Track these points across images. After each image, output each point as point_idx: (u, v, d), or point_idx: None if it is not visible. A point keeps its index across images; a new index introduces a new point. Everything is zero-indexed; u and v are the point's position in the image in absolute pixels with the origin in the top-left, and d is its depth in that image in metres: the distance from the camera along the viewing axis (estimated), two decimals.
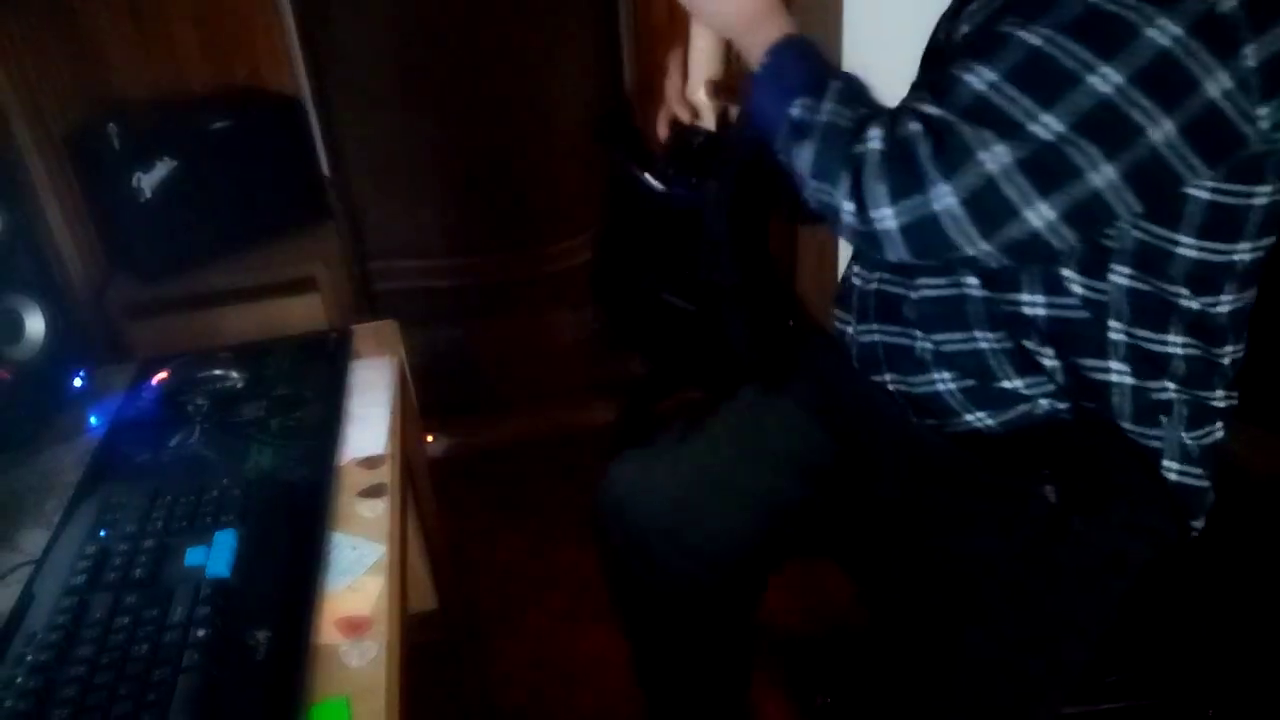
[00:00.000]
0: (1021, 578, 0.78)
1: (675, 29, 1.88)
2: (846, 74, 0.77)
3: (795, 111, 0.74)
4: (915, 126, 0.68)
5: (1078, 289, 0.77)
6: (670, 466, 0.96)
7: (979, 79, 0.67)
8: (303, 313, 1.46)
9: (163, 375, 0.97)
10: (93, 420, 0.95)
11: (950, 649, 0.79)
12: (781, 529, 0.95)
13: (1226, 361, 0.80)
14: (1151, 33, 0.62)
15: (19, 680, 0.60)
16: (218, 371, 0.96)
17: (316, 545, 0.74)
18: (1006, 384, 0.82)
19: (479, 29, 1.82)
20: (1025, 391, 0.82)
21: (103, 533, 0.73)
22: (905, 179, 0.67)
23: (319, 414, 0.91)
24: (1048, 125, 0.64)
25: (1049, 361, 0.80)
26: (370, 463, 0.85)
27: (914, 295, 0.84)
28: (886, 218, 0.68)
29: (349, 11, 1.75)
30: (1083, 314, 0.77)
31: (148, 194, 1.39)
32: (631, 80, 1.93)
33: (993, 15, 0.71)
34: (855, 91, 0.75)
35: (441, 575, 1.30)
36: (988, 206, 0.66)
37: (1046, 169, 0.65)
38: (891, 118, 0.70)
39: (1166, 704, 0.83)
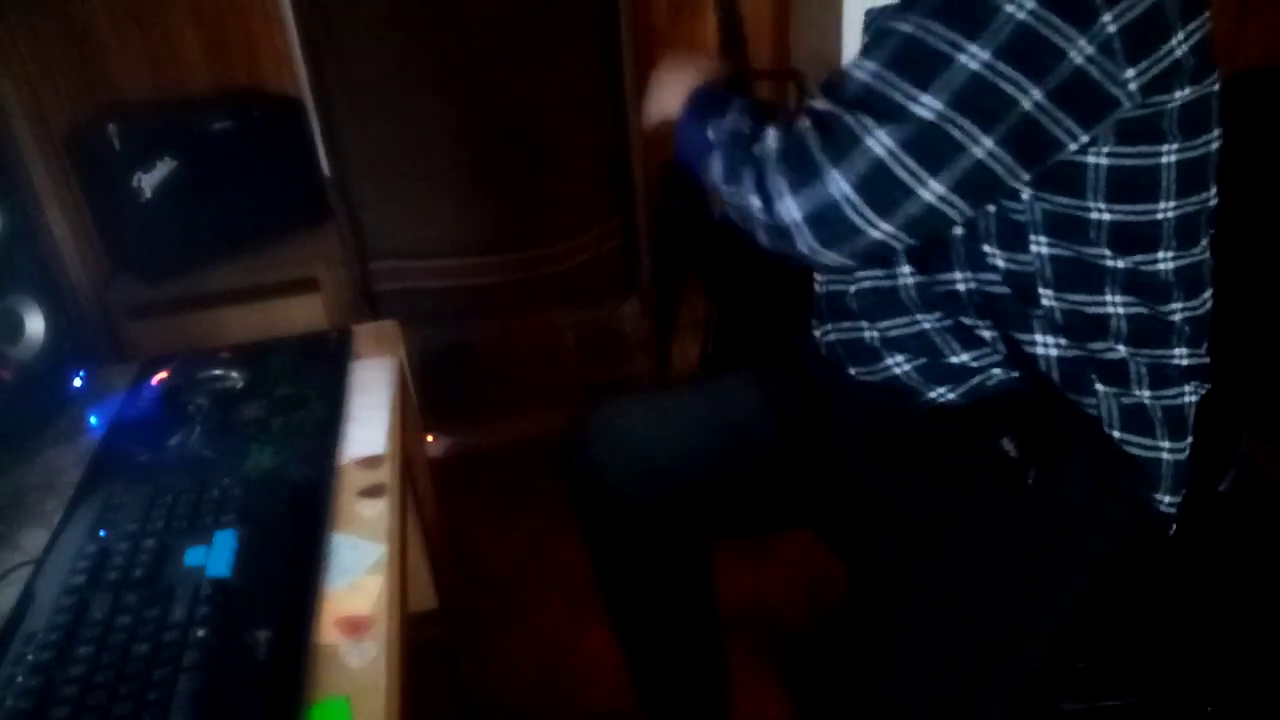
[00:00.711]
0: (984, 529, 0.82)
1: (675, 29, 1.88)
2: (753, 99, 0.84)
3: (710, 133, 0.82)
4: (805, 122, 0.74)
5: (1000, 263, 0.80)
6: (632, 414, 1.04)
7: (863, 71, 0.72)
8: (303, 313, 1.46)
9: (163, 375, 0.97)
10: (93, 420, 0.95)
11: (910, 595, 0.81)
12: (726, 482, 1.02)
13: (1178, 319, 0.81)
14: (1009, 9, 0.66)
15: (19, 680, 0.60)
16: (218, 371, 0.96)
17: (317, 545, 0.74)
18: (955, 359, 0.85)
19: (479, 31, 1.82)
20: (974, 364, 0.85)
21: (103, 532, 0.73)
22: (801, 170, 0.72)
23: (319, 414, 0.91)
24: (928, 105, 0.68)
25: (987, 333, 0.84)
26: (370, 462, 0.85)
27: (853, 289, 0.90)
28: (791, 209, 0.73)
29: (350, 13, 1.75)
30: (1003, 289, 0.81)
31: (148, 194, 1.40)
32: (631, 81, 1.93)
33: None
34: (756, 107, 0.81)
35: (442, 574, 1.30)
36: (881, 188, 0.70)
37: (931, 147, 0.69)
38: (787, 119, 0.76)
39: (1165, 700, 0.83)
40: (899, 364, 0.88)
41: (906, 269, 0.85)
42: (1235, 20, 1.77)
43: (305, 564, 0.71)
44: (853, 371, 0.92)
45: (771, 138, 0.75)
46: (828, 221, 0.72)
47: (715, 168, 0.80)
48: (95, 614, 0.64)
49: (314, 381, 0.97)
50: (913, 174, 0.69)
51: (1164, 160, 0.75)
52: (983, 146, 0.69)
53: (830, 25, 1.82)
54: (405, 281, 2.00)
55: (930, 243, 0.81)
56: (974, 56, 0.67)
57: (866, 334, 0.90)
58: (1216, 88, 0.75)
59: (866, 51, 0.73)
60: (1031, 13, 0.65)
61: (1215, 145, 0.77)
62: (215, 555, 0.69)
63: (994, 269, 0.80)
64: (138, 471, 0.84)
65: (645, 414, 1.04)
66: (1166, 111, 0.72)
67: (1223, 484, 0.96)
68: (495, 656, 1.46)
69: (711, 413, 1.03)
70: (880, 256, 0.84)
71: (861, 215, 0.71)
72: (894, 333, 0.88)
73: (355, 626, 0.67)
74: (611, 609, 1.13)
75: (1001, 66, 0.66)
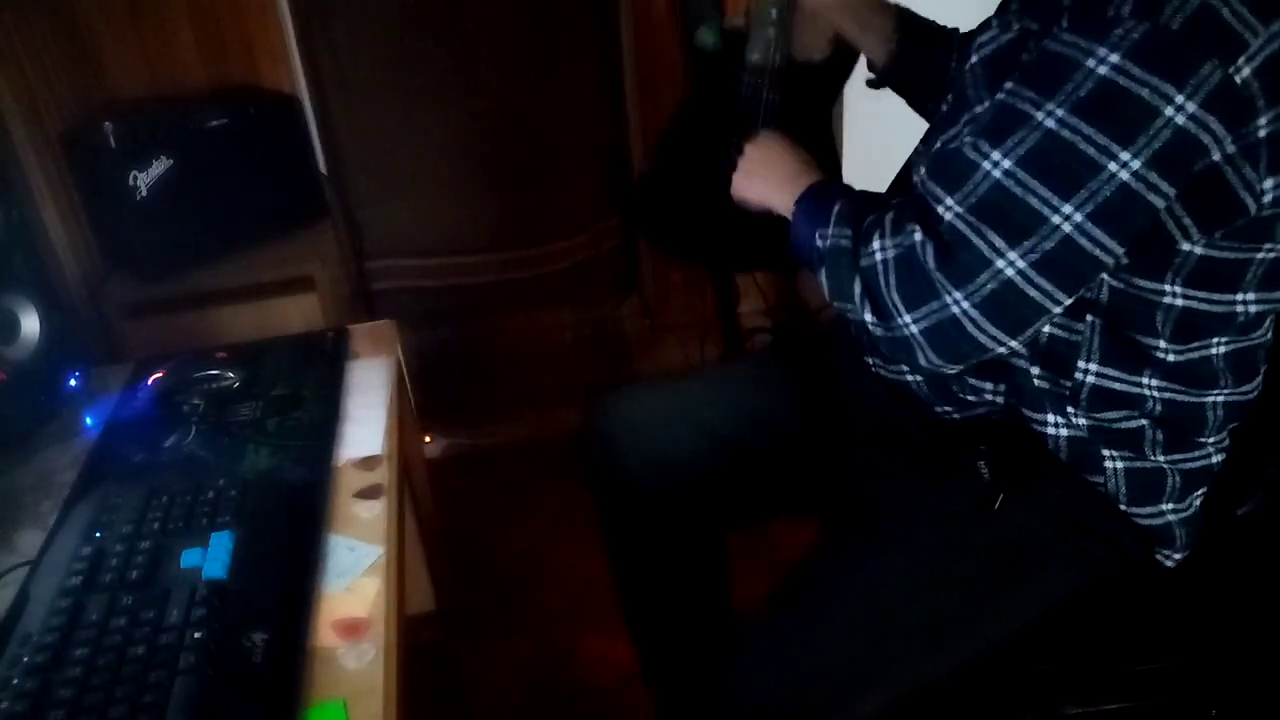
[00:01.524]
0: (943, 532, 0.81)
1: (675, 26, 1.88)
2: (852, 195, 0.79)
3: (818, 243, 0.77)
4: (917, 235, 0.68)
5: (1045, 328, 0.76)
6: (648, 402, 1.05)
7: (994, 166, 0.65)
8: (300, 312, 1.46)
9: (158, 375, 0.96)
10: (88, 421, 0.95)
11: (849, 568, 0.80)
12: (739, 467, 1.02)
13: (1217, 406, 0.78)
14: (1170, 111, 0.59)
15: (15, 682, 0.60)
16: (214, 371, 0.96)
17: (313, 547, 0.73)
18: (961, 395, 0.84)
19: (476, 27, 1.81)
20: (978, 401, 0.84)
21: (98, 534, 0.73)
22: (916, 287, 0.67)
23: (316, 414, 0.91)
24: (1068, 217, 0.63)
25: (994, 398, 0.83)
26: (368, 463, 0.85)
27: None
28: (908, 324, 0.69)
29: (346, 9, 1.75)
30: (1024, 363, 0.79)
31: (144, 193, 1.39)
32: (631, 77, 1.93)
33: (1007, 86, 0.68)
34: (853, 209, 0.76)
35: (440, 576, 1.30)
36: (1011, 308, 0.66)
37: (1065, 264, 0.64)
38: (893, 221, 0.70)
39: (1169, 704, 0.83)
40: (913, 374, 0.87)
41: None
42: None
43: (302, 566, 0.71)
44: (870, 362, 0.92)
45: (878, 250, 0.70)
46: (949, 337, 0.68)
47: (823, 282, 0.77)
48: (91, 616, 0.64)
49: (310, 381, 0.96)
50: (1046, 293, 0.65)
51: (1260, 255, 0.70)
52: (1113, 254, 0.64)
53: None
54: (402, 280, 2.00)
55: None
56: (1126, 166, 0.61)
57: None
58: None
59: (993, 137, 0.65)
60: (1193, 117, 0.59)
61: None
62: (211, 557, 0.69)
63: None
64: (133, 472, 0.84)
65: (661, 401, 1.05)
66: None
67: (1244, 507, 0.91)
68: (493, 659, 1.46)
69: (727, 399, 1.04)
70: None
71: (986, 333, 0.67)
72: None
73: (352, 629, 0.66)
74: (625, 595, 1.14)
75: (1153, 176, 0.61)
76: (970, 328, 0.67)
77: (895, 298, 0.69)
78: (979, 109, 0.74)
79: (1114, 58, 0.60)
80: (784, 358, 1.07)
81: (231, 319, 1.43)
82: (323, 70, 1.78)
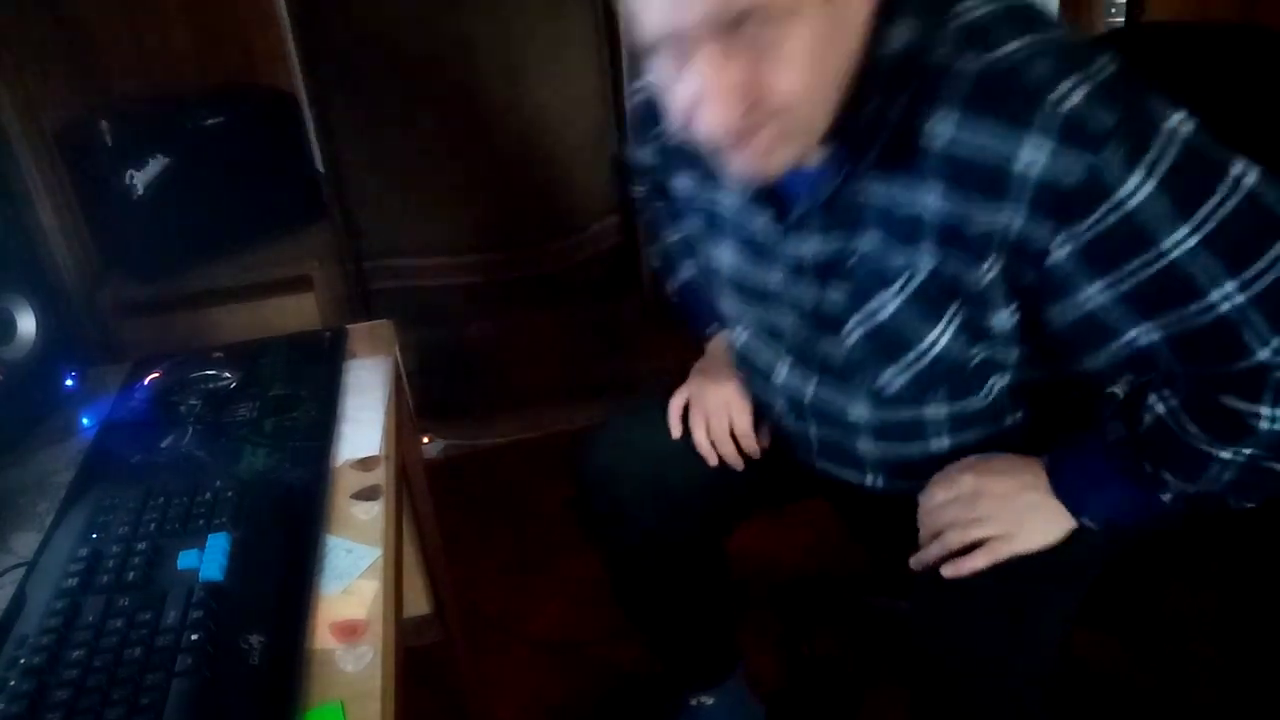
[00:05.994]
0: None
1: None
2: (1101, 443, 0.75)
3: (1171, 493, 0.72)
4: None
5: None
6: (641, 433, 1.01)
7: (1227, 300, 0.64)
8: (297, 312, 1.46)
9: (155, 375, 0.96)
10: (85, 421, 0.95)
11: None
12: (738, 485, 1.00)
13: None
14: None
15: (11, 683, 0.60)
16: (211, 371, 0.95)
17: (311, 548, 0.73)
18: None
19: (476, 24, 1.81)
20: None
21: (95, 535, 0.73)
22: None
23: (313, 415, 0.91)
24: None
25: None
26: (365, 464, 0.85)
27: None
28: None
29: (344, 6, 1.75)
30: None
31: (140, 191, 1.39)
32: (631, 75, 1.92)
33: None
34: (1141, 430, 0.72)
35: (437, 578, 1.30)
36: None
37: None
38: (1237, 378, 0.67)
39: None
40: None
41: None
42: None
43: (299, 568, 0.71)
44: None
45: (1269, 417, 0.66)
46: None
47: (1255, 492, 0.71)
48: (87, 617, 0.64)
49: (308, 382, 0.96)
50: None
51: None
52: None
53: None
54: (400, 280, 1.99)
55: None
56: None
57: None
58: None
59: (1163, 296, 0.65)
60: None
61: None
62: (208, 558, 0.68)
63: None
64: (130, 473, 0.84)
65: (646, 432, 1.01)
66: None
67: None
68: (492, 661, 1.46)
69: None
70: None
71: None
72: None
73: (350, 631, 0.66)
74: (631, 616, 1.14)
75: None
76: None
77: None
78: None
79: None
80: None
81: (228, 318, 1.43)
82: (320, 67, 1.77)
